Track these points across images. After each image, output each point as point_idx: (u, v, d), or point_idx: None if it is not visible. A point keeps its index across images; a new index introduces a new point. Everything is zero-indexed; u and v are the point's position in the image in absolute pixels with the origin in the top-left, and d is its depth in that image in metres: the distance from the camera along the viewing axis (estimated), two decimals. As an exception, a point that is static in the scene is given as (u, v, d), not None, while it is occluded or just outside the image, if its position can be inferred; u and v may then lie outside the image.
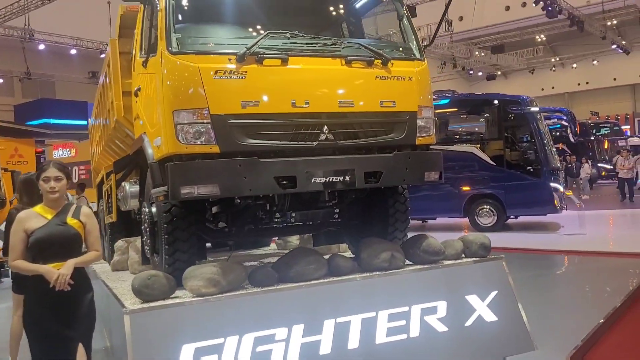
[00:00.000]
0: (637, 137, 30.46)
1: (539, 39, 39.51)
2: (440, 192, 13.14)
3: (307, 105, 4.23)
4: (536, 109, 12.69)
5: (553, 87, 47.59)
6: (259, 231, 5.06)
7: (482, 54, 36.92)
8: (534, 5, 23.13)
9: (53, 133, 20.40)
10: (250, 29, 4.45)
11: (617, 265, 8.39)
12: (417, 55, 4.87)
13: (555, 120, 14.62)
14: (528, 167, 12.49)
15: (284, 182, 4.16)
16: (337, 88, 4.39)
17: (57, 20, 22.27)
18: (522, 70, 44.27)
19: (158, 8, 4.28)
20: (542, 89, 46.93)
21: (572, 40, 39.00)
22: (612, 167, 23.66)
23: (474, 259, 4.97)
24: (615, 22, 34.19)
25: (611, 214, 15.65)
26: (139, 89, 4.90)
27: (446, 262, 4.85)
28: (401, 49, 4.91)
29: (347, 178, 4.31)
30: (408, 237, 5.30)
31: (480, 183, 12.86)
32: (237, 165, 4.02)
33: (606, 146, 28.02)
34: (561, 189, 12.47)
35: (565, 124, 14.69)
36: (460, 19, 33.88)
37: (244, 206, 4.67)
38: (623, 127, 33.38)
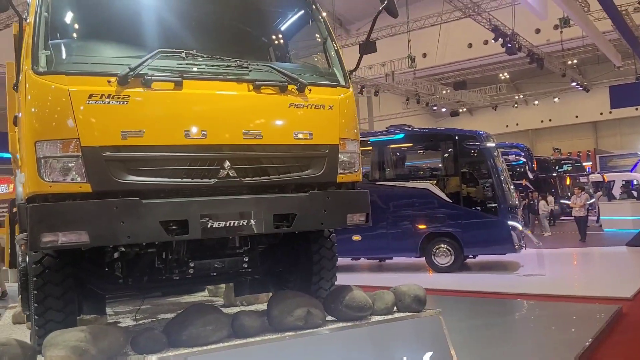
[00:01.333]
0: (598, 173, 30.75)
1: (503, 77, 40.30)
2: (395, 230, 12.62)
3: (204, 137, 3.60)
4: (492, 144, 12.34)
5: (517, 124, 48.50)
6: (160, 282, 4.34)
7: (447, 90, 37.31)
8: (493, 41, 23.35)
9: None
10: (147, 48, 3.79)
11: (575, 311, 7.86)
12: (341, 82, 4.32)
13: (515, 156, 14.34)
14: (485, 205, 12.05)
15: (173, 227, 3.48)
16: (242, 117, 3.78)
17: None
18: (487, 107, 44.94)
19: (27, 21, 3.63)
20: (507, 126, 47.76)
21: (534, 79, 39.89)
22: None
23: (407, 313, 4.33)
24: (575, 61, 35.07)
25: (571, 253, 15.27)
26: (16, 117, 4.21)
27: (374, 318, 4.20)
28: (323, 74, 4.35)
29: (252, 222, 3.66)
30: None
31: (436, 221, 12.34)
32: (112, 208, 3.33)
33: (568, 182, 28.13)
34: (520, 227, 12.04)
35: (523, 159, 14.48)
36: (424, 55, 34.28)
37: (134, 254, 3.97)
38: (585, 164, 33.74)
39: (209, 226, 3.52)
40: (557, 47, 29.03)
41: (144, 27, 3.96)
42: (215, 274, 4.29)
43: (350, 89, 4.35)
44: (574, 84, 32.32)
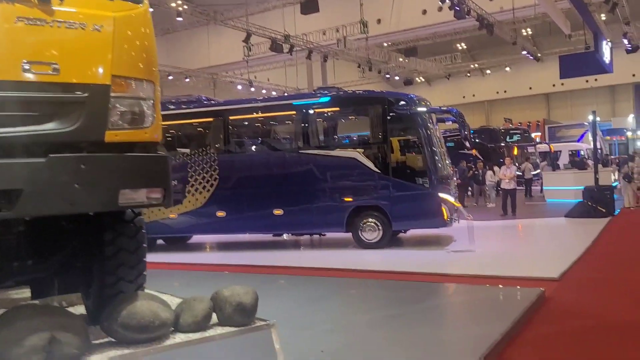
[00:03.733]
0: (545, 143, 30.39)
1: (460, 47, 39.43)
2: (320, 203, 11.42)
3: None
4: (424, 108, 11.15)
5: (474, 95, 48.17)
6: None
7: (402, 59, 36.11)
8: (440, 3, 22.17)
9: None
10: None
11: (493, 297, 6.86)
12: (128, -8, 2.94)
13: (452, 122, 13.27)
14: (415, 175, 10.95)
15: None
16: None
17: None
18: (444, 77, 44.19)
19: None
20: (464, 97, 47.29)
21: (489, 49, 39.33)
22: (521, 173, 23.09)
23: (227, 329, 3.09)
24: (530, 31, 34.40)
25: (507, 226, 14.44)
26: None
27: (173, 340, 2.94)
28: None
29: None
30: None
31: (364, 193, 11.18)
32: None
33: (516, 153, 27.61)
34: (451, 199, 11.01)
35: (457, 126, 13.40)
36: (378, 21, 32.90)
37: None
38: (534, 134, 33.38)
39: None
40: (510, 15, 28.17)
41: None
42: None
43: (144, 6, 2.99)
44: (524, 52, 31.60)
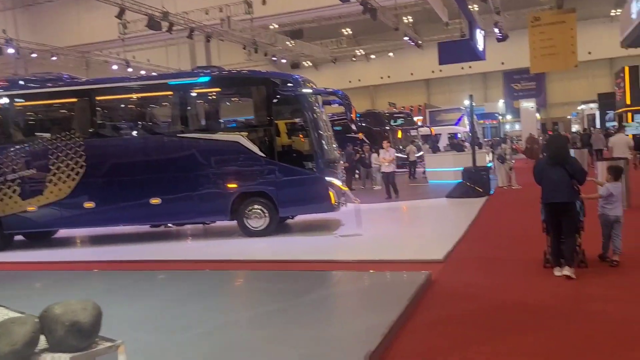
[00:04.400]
0: (426, 127, 31.66)
1: (346, 32, 39.85)
2: (202, 190, 10.68)
3: None
4: (309, 90, 10.77)
5: (359, 80, 49.41)
6: None
7: (293, 42, 35.63)
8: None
9: None
10: None
11: (379, 284, 6.71)
12: None
13: (338, 105, 13.05)
14: (302, 159, 10.59)
15: None
16: None
17: None
18: (330, 62, 44.61)
19: None
20: (350, 81, 48.20)
21: (374, 35, 40.13)
22: (405, 156, 23.81)
23: (57, 356, 2.43)
24: (411, 19, 35.55)
25: (393, 208, 14.61)
26: None
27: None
28: None
29: None
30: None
31: (248, 179, 10.61)
32: None
33: (400, 136, 28.45)
34: (339, 183, 10.79)
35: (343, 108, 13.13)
36: (263, 2, 32.13)
37: None
38: (416, 118, 34.69)
39: None
40: (392, 1, 28.83)
41: None
42: None
43: None
44: (406, 38, 32.57)
